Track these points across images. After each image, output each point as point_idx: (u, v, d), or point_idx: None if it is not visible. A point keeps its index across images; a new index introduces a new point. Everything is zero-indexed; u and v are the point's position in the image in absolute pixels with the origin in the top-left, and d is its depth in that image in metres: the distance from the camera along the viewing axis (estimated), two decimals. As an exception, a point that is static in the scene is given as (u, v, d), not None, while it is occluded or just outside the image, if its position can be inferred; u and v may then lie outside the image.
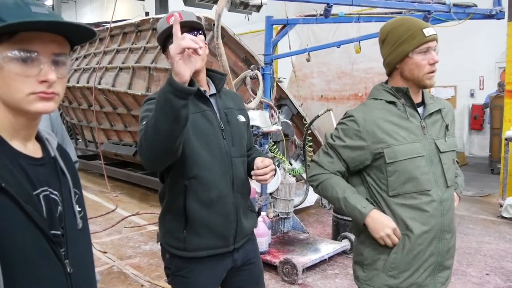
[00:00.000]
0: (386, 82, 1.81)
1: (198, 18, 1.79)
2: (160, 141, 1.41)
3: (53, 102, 0.97)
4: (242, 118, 1.89)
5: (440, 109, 1.79)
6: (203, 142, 1.71)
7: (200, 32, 1.75)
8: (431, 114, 1.76)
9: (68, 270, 0.99)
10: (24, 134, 1.00)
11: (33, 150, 1.01)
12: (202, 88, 1.77)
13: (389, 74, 1.79)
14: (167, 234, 1.79)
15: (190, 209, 1.71)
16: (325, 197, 1.79)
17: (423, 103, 1.78)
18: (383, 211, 1.70)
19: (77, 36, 1.01)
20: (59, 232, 0.99)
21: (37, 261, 0.93)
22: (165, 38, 1.74)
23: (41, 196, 0.96)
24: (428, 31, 1.66)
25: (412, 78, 1.70)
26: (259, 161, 1.75)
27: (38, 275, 0.93)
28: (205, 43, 1.80)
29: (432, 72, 1.68)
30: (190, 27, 1.70)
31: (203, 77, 1.80)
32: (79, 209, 1.08)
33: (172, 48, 1.32)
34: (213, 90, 1.84)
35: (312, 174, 1.81)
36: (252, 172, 1.74)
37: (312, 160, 1.83)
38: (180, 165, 1.69)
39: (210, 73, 1.87)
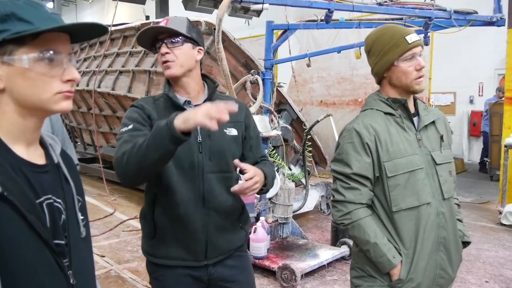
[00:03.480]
0: (379, 91, 1.80)
1: (198, 22, 1.78)
2: (142, 166, 1.48)
3: (71, 100, 1.00)
4: (232, 132, 1.76)
5: (434, 121, 1.78)
6: None
7: (179, 38, 1.69)
8: (426, 126, 1.75)
9: (71, 281, 0.97)
10: (29, 138, 0.98)
11: (35, 156, 0.99)
12: (184, 98, 1.73)
13: (379, 82, 1.78)
14: (142, 238, 1.81)
15: (157, 217, 1.71)
16: (353, 236, 1.71)
17: (417, 114, 1.77)
18: (385, 227, 1.68)
19: (85, 37, 1.03)
20: (63, 242, 0.97)
21: (39, 272, 0.90)
22: (152, 44, 1.74)
23: (44, 204, 0.94)
24: (411, 37, 1.66)
25: (401, 85, 1.69)
26: (246, 176, 1.61)
27: (39, 286, 0.90)
28: (199, 49, 1.77)
29: (420, 77, 1.67)
30: (168, 33, 1.69)
31: (188, 82, 1.74)
32: (82, 217, 1.06)
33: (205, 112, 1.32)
34: (203, 98, 1.77)
35: (346, 212, 1.69)
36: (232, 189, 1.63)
37: (336, 201, 1.72)
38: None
39: (207, 79, 1.84)
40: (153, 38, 1.73)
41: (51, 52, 0.93)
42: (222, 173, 1.73)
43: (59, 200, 0.98)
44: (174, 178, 1.66)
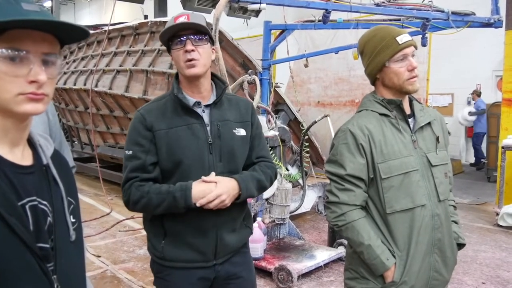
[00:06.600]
0: (375, 91, 1.79)
1: (209, 24, 1.75)
2: (149, 212, 1.73)
3: (42, 103, 0.92)
4: (241, 132, 1.76)
5: (430, 122, 1.76)
6: (183, 156, 1.64)
7: (205, 36, 1.68)
8: (422, 127, 1.73)
9: (55, 286, 0.94)
10: (12, 138, 0.94)
11: (21, 156, 0.96)
12: (194, 99, 1.70)
13: (373, 83, 1.78)
14: (148, 241, 1.80)
15: (166, 221, 1.70)
16: (347, 238, 1.70)
17: (412, 115, 1.75)
18: (379, 229, 1.68)
19: (70, 36, 0.96)
20: (47, 245, 0.93)
21: (21, 277, 0.87)
22: (169, 39, 1.68)
23: (27, 206, 0.90)
24: (402, 38, 1.64)
25: (394, 86, 1.68)
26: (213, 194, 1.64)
27: None
28: (213, 48, 1.75)
29: (413, 78, 1.66)
30: (194, 29, 1.65)
31: (203, 83, 1.72)
32: (73, 220, 1.02)
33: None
34: (212, 98, 1.75)
35: (340, 214, 1.67)
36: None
37: (330, 202, 1.71)
38: (161, 177, 1.70)
39: (215, 79, 1.80)
40: (171, 34, 1.66)
41: (15, 50, 0.87)
42: (231, 173, 1.72)
43: (44, 202, 0.95)
44: (184, 180, 1.65)
